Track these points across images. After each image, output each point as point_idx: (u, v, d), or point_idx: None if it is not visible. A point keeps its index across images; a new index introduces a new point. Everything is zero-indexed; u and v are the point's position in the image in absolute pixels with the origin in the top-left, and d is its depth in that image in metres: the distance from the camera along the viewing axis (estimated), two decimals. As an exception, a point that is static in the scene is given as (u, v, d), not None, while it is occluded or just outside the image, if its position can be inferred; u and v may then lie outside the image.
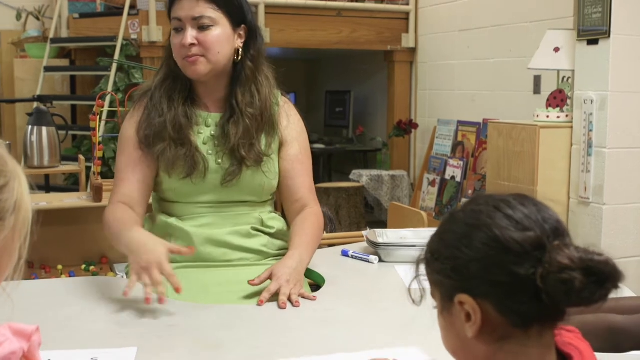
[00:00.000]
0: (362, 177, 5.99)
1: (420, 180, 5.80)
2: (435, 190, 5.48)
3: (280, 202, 2.15)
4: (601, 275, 0.84)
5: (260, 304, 1.71)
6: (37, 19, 6.41)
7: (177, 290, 1.65)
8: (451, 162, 5.35)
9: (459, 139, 5.38)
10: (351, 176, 6.13)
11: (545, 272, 0.85)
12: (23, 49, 6.13)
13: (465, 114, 5.46)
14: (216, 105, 2.00)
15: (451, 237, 0.94)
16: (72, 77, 5.99)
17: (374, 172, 6.03)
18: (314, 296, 1.79)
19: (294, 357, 1.40)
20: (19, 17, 6.51)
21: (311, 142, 6.55)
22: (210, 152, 1.96)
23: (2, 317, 1.58)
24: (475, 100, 5.39)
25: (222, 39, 1.91)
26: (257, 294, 1.80)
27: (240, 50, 1.96)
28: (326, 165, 7.28)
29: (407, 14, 6.14)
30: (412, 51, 6.21)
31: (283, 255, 2.02)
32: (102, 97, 2.81)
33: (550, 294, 0.85)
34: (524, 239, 0.88)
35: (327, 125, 7.53)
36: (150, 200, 2.03)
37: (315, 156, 7.09)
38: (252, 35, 1.98)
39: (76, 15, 5.70)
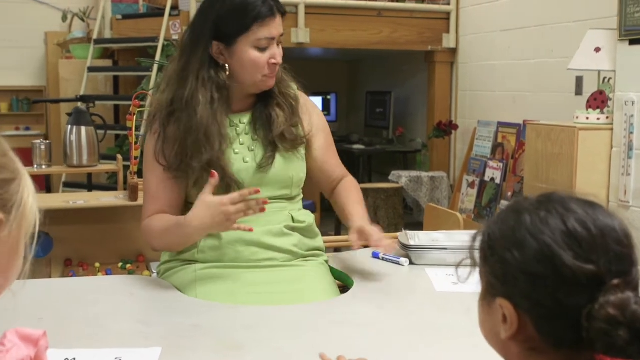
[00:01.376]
0: (402, 178, 5.96)
1: (459, 181, 5.76)
2: (474, 192, 5.43)
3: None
4: None
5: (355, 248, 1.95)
6: (82, 20, 6.53)
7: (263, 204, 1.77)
8: (491, 163, 5.30)
9: (499, 140, 5.32)
10: (390, 177, 6.11)
11: (593, 314, 0.81)
12: (68, 49, 6.24)
13: (505, 115, 5.40)
14: (246, 103, 2.03)
15: (509, 236, 0.89)
16: (115, 77, 6.08)
17: (414, 173, 6.00)
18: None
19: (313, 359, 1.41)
20: (64, 18, 6.63)
21: (351, 142, 6.55)
22: (237, 151, 1.97)
23: (31, 316, 1.62)
24: (516, 101, 5.33)
25: None
26: (283, 295, 1.82)
27: None
28: (366, 166, 7.27)
29: (448, 13, 6.09)
30: (453, 51, 6.16)
31: (313, 255, 2.03)
32: (139, 97, 2.84)
33: (591, 337, 0.81)
34: (581, 271, 0.82)
35: (368, 126, 7.52)
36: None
37: (355, 157, 7.09)
38: None
39: (119, 17, 5.78)
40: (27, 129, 7.45)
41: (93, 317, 1.66)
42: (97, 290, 1.88)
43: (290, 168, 2.01)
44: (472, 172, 5.54)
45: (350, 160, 7.57)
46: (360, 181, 6.94)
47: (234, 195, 1.74)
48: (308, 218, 2.07)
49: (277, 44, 1.95)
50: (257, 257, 1.93)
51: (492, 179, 5.25)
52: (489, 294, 0.91)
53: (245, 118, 2.02)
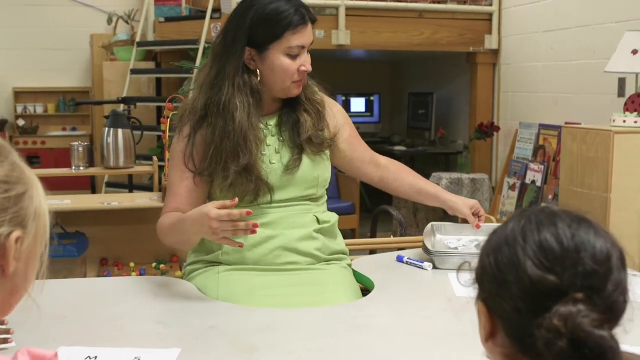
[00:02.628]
0: (442, 180, 5.92)
1: (500, 184, 5.70)
2: (515, 194, 5.37)
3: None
4: (592, 351, 0.78)
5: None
6: (127, 22, 6.64)
7: (254, 227, 1.73)
8: (532, 166, 5.24)
9: (541, 142, 5.25)
10: (431, 179, 6.07)
11: (541, 323, 0.80)
12: (112, 52, 6.35)
13: (547, 117, 5.33)
14: (273, 107, 2.05)
15: (492, 241, 0.91)
16: (158, 79, 6.16)
17: (454, 175, 5.95)
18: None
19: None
20: (110, 21, 6.75)
21: (393, 143, 6.51)
22: (264, 152, 1.99)
23: (56, 315, 1.65)
24: (558, 103, 5.26)
25: None
26: (303, 297, 1.83)
27: None
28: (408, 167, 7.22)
29: (491, 14, 6.02)
30: (495, 53, 6.09)
31: (336, 259, 2.04)
32: (173, 101, 2.88)
33: (538, 346, 0.81)
34: (540, 281, 0.82)
35: (410, 127, 7.49)
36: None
37: (396, 158, 7.05)
38: None
39: (162, 19, 5.86)
40: (74, 129, 7.60)
41: (115, 317, 1.70)
42: (121, 291, 1.91)
43: (316, 169, 2.03)
44: (514, 175, 5.48)
45: (392, 162, 7.56)
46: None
47: (222, 213, 1.71)
48: (332, 218, 2.10)
49: (307, 52, 1.99)
50: (280, 261, 1.95)
51: (533, 182, 5.19)
52: (477, 297, 0.92)
53: (272, 121, 2.04)
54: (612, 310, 0.83)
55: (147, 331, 1.60)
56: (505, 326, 0.87)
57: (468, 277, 0.95)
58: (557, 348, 0.78)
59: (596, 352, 0.78)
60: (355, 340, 1.56)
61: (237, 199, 1.76)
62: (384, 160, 2.27)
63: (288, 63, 1.95)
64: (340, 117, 2.16)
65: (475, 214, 2.22)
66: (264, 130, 2.01)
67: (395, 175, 2.26)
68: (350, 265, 2.10)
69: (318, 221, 2.03)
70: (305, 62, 1.97)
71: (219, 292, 1.88)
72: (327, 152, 2.09)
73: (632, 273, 0.88)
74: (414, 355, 1.45)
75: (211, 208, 1.73)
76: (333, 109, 2.14)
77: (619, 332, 0.84)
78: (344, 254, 2.11)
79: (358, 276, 2.08)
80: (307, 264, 1.98)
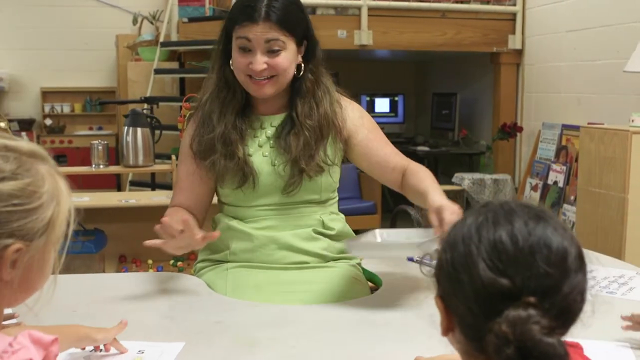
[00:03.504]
0: (464, 180, 5.91)
1: (523, 184, 5.67)
2: (537, 195, 5.34)
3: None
4: (538, 359, 0.77)
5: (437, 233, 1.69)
6: (151, 23, 6.70)
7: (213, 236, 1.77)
8: (554, 166, 5.21)
9: (563, 143, 5.22)
10: (453, 179, 6.06)
11: (491, 327, 0.79)
12: (137, 52, 6.41)
13: (570, 117, 5.29)
14: (275, 105, 2.01)
15: (450, 235, 0.89)
16: (182, 79, 6.21)
17: (477, 176, 5.93)
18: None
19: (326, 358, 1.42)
20: (135, 21, 6.82)
21: (416, 144, 6.51)
22: (266, 154, 1.97)
23: (67, 308, 1.68)
24: (581, 103, 5.22)
25: (290, 60, 1.91)
26: (310, 293, 1.84)
27: (302, 65, 1.96)
28: (431, 168, 7.20)
29: (514, 14, 6.00)
30: (519, 53, 6.07)
31: (344, 257, 2.04)
32: (189, 100, 2.90)
33: (489, 350, 0.79)
34: (492, 284, 0.80)
35: (434, 128, 7.47)
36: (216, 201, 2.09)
37: (420, 159, 7.06)
38: (311, 47, 1.97)
39: (185, 20, 5.90)
40: (100, 128, 7.69)
41: (124, 311, 1.72)
42: (133, 286, 1.94)
43: (320, 182, 1.98)
44: (536, 175, 5.45)
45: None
46: (424, 183, 6.90)
47: (173, 228, 1.74)
48: (338, 225, 2.04)
49: (271, 52, 1.87)
50: (288, 260, 1.95)
51: (555, 182, 5.16)
52: (436, 291, 0.91)
53: (277, 120, 2.00)
54: (567, 312, 0.82)
55: (154, 325, 1.63)
56: (460, 325, 0.86)
57: (429, 269, 0.94)
58: (505, 355, 0.77)
59: (545, 357, 0.77)
60: (359, 337, 1.56)
61: (218, 233, 1.83)
62: (413, 165, 2.02)
63: (237, 56, 1.89)
64: (353, 121, 2.04)
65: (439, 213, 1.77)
66: (267, 131, 1.98)
67: (407, 179, 1.98)
68: (359, 264, 2.10)
69: (323, 224, 2.01)
70: (254, 61, 1.86)
71: (227, 288, 1.90)
72: (335, 159, 2.01)
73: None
74: (419, 352, 1.45)
75: (174, 219, 1.76)
76: (347, 111, 2.05)
77: (578, 327, 0.83)
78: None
79: (367, 274, 2.08)
80: (315, 262, 1.98)
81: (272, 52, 1.88)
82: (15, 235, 0.91)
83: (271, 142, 1.98)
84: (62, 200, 0.96)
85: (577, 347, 0.96)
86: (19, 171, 0.91)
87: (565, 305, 0.81)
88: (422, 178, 1.92)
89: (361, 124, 2.05)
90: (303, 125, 1.95)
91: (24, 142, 0.95)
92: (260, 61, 1.86)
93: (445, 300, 0.88)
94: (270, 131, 2.00)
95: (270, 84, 1.91)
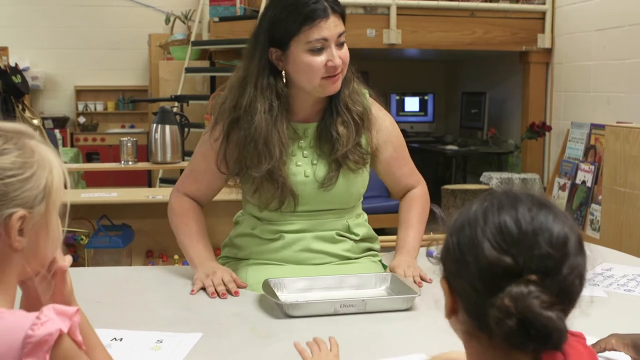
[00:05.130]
0: (492, 179, 5.90)
1: (551, 184, 5.65)
2: (565, 194, 5.32)
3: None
4: (538, 331, 0.81)
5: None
6: (183, 22, 6.78)
7: (236, 292, 1.83)
8: (582, 166, 5.18)
9: (592, 142, 5.20)
10: (481, 178, 6.05)
11: (493, 302, 0.83)
12: (169, 51, 6.49)
13: (599, 116, 5.26)
14: (311, 112, 1.99)
15: (457, 222, 0.93)
16: (212, 78, 6.28)
17: (505, 175, 5.92)
18: (430, 279, 1.90)
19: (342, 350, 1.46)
20: (167, 21, 6.91)
21: (445, 143, 6.47)
22: (299, 163, 1.97)
23: (91, 299, 1.74)
24: (610, 103, 5.19)
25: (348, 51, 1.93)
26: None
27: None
28: (460, 167, 7.22)
29: (543, 13, 5.97)
30: (548, 52, 6.04)
31: (367, 255, 2.07)
32: (216, 97, 2.95)
33: (491, 323, 0.84)
34: (496, 261, 0.85)
35: (463, 127, 7.47)
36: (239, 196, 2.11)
37: (448, 158, 7.07)
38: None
39: (216, 19, 5.96)
40: (132, 126, 7.80)
41: (145, 303, 1.78)
42: (155, 279, 1.99)
43: (351, 185, 1.98)
44: (564, 175, 5.43)
45: (443, 161, 7.55)
46: (453, 182, 6.89)
47: (210, 284, 1.84)
48: (362, 229, 2.06)
49: (339, 45, 1.87)
50: (311, 262, 1.98)
51: (584, 182, 5.13)
52: (442, 275, 0.95)
53: (311, 129, 1.98)
54: (566, 293, 0.86)
55: (173, 316, 1.68)
56: (464, 304, 0.90)
57: (436, 255, 0.98)
58: (506, 327, 0.82)
59: (542, 332, 0.81)
60: (373, 329, 1.60)
61: (246, 284, 1.89)
62: (414, 193, 2.13)
63: (311, 59, 1.84)
64: (386, 131, 2.05)
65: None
66: (300, 141, 1.97)
67: (401, 205, 2.14)
68: (380, 261, 2.12)
69: (348, 228, 2.02)
70: (332, 57, 1.85)
71: (248, 282, 1.93)
72: (367, 167, 2.03)
73: None
74: (433, 345, 1.47)
75: (211, 274, 1.87)
76: (379, 116, 2.04)
77: (577, 314, 0.87)
78: (375, 251, 2.13)
79: (386, 269, 2.11)
80: (337, 262, 2.00)
81: (340, 45, 1.88)
82: (17, 204, 0.99)
83: (304, 151, 1.98)
84: (53, 168, 1.04)
85: (580, 337, 0.99)
86: (6, 146, 1.00)
87: (564, 286, 0.85)
88: (408, 219, 2.10)
89: (390, 139, 2.06)
90: (353, 112, 1.96)
91: (7, 123, 1.04)
92: (337, 55, 1.86)
93: (450, 281, 0.92)
94: (303, 141, 1.98)
95: (341, 76, 1.91)
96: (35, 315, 0.94)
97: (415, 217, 2.10)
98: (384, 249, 2.25)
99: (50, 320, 0.94)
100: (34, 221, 1.02)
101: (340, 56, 1.87)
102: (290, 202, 1.94)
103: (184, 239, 2.03)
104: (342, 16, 1.89)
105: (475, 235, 0.88)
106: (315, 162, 1.97)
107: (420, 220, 2.11)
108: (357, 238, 2.04)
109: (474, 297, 0.88)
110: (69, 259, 1.11)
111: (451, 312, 0.93)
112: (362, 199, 2.13)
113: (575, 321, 0.89)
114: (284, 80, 1.91)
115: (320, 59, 1.85)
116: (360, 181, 2.01)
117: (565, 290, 0.86)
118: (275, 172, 1.89)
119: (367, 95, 2.05)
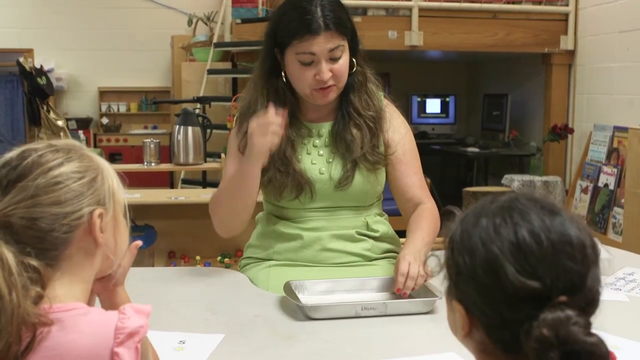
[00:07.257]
0: (514, 181, 5.88)
1: (573, 186, 5.62)
2: (587, 197, 5.29)
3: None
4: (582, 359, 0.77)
5: (404, 296, 1.76)
6: (206, 24, 6.82)
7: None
8: (605, 169, 5.15)
9: (615, 145, 5.16)
10: (503, 181, 6.03)
11: (529, 332, 0.79)
12: (191, 52, 6.53)
13: (622, 119, 5.22)
14: (324, 111, 2.03)
15: (465, 240, 0.87)
16: (235, 80, 6.31)
17: (526, 177, 5.89)
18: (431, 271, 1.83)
19: (357, 354, 1.47)
20: (190, 22, 6.94)
21: (466, 145, 6.44)
22: (314, 162, 2.00)
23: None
24: (633, 105, 5.15)
25: (347, 60, 1.94)
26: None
27: (355, 61, 1.98)
28: (481, 169, 7.20)
29: (566, 15, 5.94)
30: (571, 53, 6.00)
31: (388, 257, 2.07)
32: (238, 100, 2.98)
33: (528, 353, 0.80)
34: (523, 287, 0.80)
35: (484, 129, 7.44)
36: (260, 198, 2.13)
37: (469, 160, 7.04)
38: (355, 41, 1.99)
39: (238, 21, 5.99)
40: (155, 127, 7.85)
41: (168, 303, 1.80)
42: (178, 280, 2.02)
43: (367, 184, 2.00)
44: (586, 178, 5.40)
45: (464, 163, 7.53)
46: (475, 184, 6.84)
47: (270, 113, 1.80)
48: (382, 227, 2.07)
49: (332, 59, 1.89)
50: (332, 261, 1.99)
51: (606, 185, 5.10)
52: (450, 294, 0.91)
53: (325, 128, 2.02)
54: (591, 305, 0.83)
55: (196, 317, 1.70)
56: (485, 327, 0.85)
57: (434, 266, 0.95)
58: (549, 359, 0.77)
59: (591, 357, 0.77)
60: (394, 332, 1.61)
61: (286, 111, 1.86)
62: (424, 208, 2.03)
63: (300, 70, 1.89)
64: (399, 136, 2.05)
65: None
66: (316, 139, 2.01)
67: (410, 220, 2.02)
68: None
69: (367, 226, 2.04)
70: (320, 72, 1.87)
71: (269, 283, 1.94)
72: (383, 168, 2.05)
73: None
74: (450, 348, 1.48)
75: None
76: (394, 121, 2.06)
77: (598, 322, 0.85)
78: (396, 252, 2.13)
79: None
80: (359, 262, 2.01)
81: (334, 60, 1.90)
82: (93, 202, 1.07)
83: (320, 150, 2.01)
84: (109, 171, 1.13)
85: (612, 356, 0.97)
86: (69, 155, 1.08)
87: (589, 298, 0.83)
88: (416, 228, 1.96)
89: (401, 141, 2.06)
90: (364, 117, 1.98)
91: (59, 140, 1.14)
92: (326, 70, 1.88)
93: (466, 304, 0.87)
94: (318, 140, 2.02)
95: (334, 88, 1.94)
96: (118, 310, 1.03)
97: (425, 223, 1.98)
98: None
99: (133, 316, 1.03)
100: (109, 217, 1.10)
101: (333, 70, 1.90)
102: (307, 192, 1.96)
103: (222, 184, 2.04)
104: (339, 30, 1.89)
105: (493, 255, 0.83)
106: (330, 160, 2.00)
107: (430, 228, 1.98)
108: (377, 235, 2.04)
109: (497, 321, 0.83)
110: (139, 242, 1.21)
111: (467, 334, 0.89)
112: (382, 199, 2.14)
113: (597, 327, 0.86)
114: (284, 80, 1.95)
115: (309, 72, 1.88)
116: (375, 180, 2.02)
117: (590, 301, 0.83)
118: (286, 160, 1.94)
119: (382, 97, 2.07)
